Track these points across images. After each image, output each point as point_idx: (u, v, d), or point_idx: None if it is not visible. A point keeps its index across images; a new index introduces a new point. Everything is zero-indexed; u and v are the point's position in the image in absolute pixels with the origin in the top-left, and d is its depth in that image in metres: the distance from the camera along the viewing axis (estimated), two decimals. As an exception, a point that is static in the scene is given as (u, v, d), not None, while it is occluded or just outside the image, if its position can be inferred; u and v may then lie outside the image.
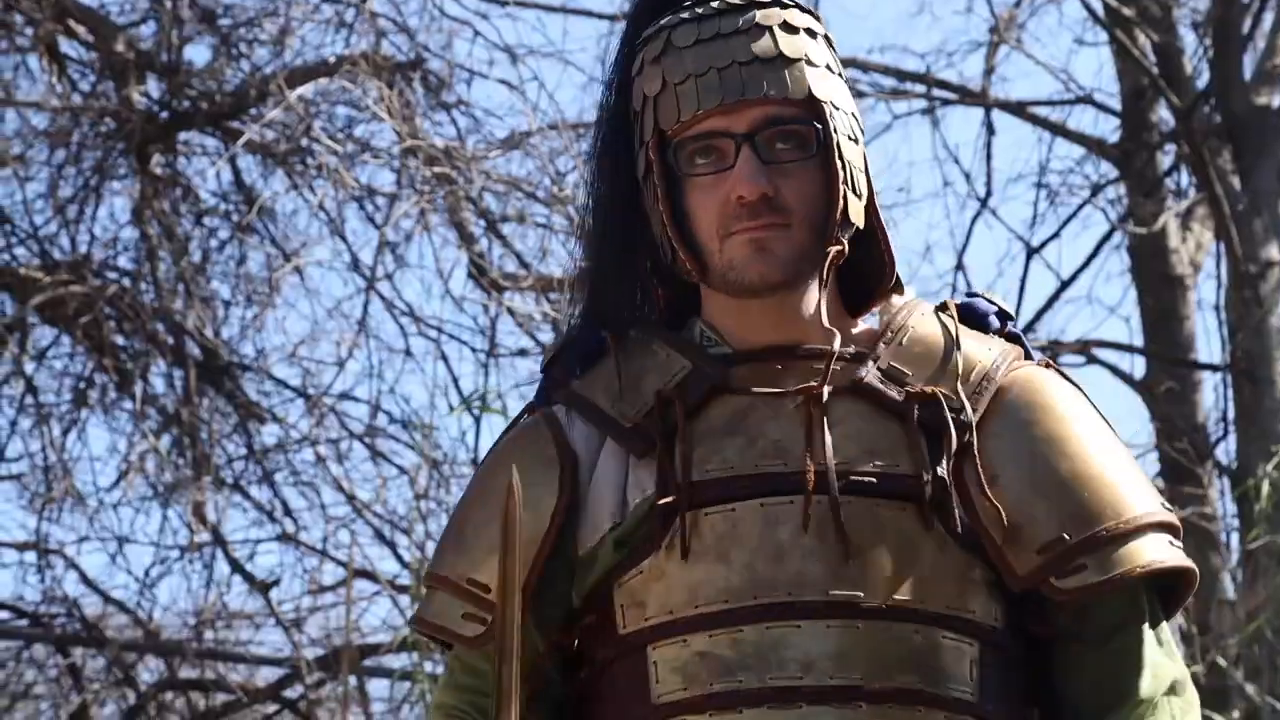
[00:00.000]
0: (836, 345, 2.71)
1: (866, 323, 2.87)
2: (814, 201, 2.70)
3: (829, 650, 2.52)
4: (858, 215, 2.76)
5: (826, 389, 2.68)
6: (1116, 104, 14.90)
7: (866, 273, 2.85)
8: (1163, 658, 2.66)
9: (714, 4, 2.78)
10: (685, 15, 2.78)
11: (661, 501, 2.59)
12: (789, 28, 2.73)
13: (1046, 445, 2.73)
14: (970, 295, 2.98)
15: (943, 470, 2.63)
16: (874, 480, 2.62)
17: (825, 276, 2.73)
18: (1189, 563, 2.61)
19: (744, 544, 2.56)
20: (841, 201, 2.71)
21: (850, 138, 2.76)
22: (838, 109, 2.74)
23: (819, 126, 2.70)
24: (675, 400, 2.67)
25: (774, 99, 2.69)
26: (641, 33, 2.85)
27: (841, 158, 2.72)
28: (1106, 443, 2.79)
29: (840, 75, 2.84)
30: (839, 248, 2.72)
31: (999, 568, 2.62)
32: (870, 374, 2.71)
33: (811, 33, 2.76)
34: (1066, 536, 2.60)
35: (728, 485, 2.60)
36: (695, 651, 2.53)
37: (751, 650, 2.52)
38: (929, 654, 2.57)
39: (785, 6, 2.77)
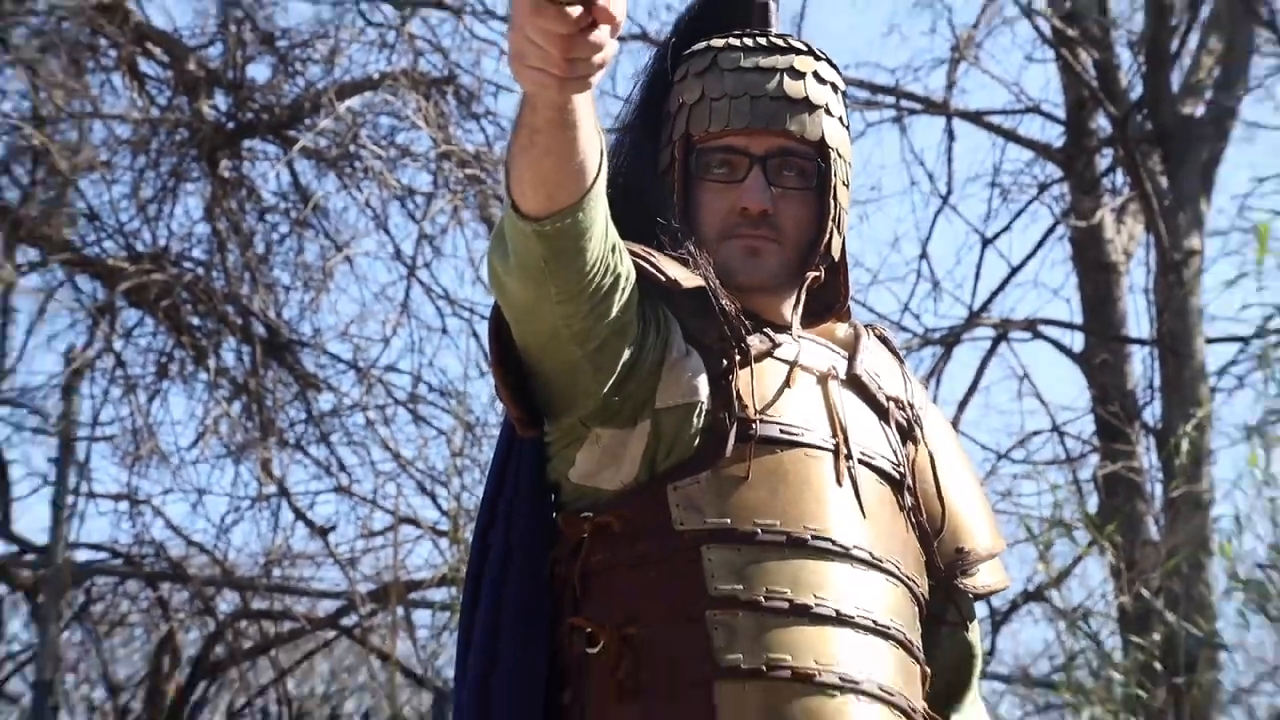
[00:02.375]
0: (834, 351, 2.97)
1: (839, 330, 3.06)
2: (804, 227, 2.88)
3: (854, 590, 2.67)
4: (836, 250, 2.95)
5: (839, 374, 2.89)
6: (1061, 113, 14.92)
7: (823, 294, 3.01)
8: (979, 646, 3.08)
9: (760, 39, 2.94)
10: (734, 42, 2.93)
11: (734, 430, 2.69)
12: (819, 78, 2.90)
13: (962, 469, 3.09)
14: (874, 327, 3.17)
15: (906, 466, 2.89)
16: (872, 458, 2.81)
17: (800, 295, 2.92)
18: (1005, 584, 3.09)
19: (789, 482, 2.69)
20: (828, 235, 2.90)
21: (844, 183, 2.94)
22: (840, 157, 2.90)
23: (823, 166, 2.87)
24: (734, 339, 2.76)
25: (792, 134, 2.84)
26: (683, 44, 3.01)
27: (835, 198, 2.90)
28: (968, 460, 3.21)
29: (848, 129, 3.00)
30: (817, 274, 2.93)
31: (928, 554, 2.88)
32: (862, 369, 2.91)
33: (835, 87, 2.93)
34: (979, 544, 2.96)
35: (781, 429, 2.73)
36: (750, 560, 2.63)
37: (802, 574, 2.64)
38: (906, 609, 2.76)
39: (819, 58, 2.95)
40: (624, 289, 2.56)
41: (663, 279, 2.66)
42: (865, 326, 3.03)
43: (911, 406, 2.95)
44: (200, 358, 11.74)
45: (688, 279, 2.69)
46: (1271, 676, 12.02)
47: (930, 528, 2.86)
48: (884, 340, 3.05)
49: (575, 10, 1.97)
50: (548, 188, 2.32)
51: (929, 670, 2.80)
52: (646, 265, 2.66)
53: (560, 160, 2.28)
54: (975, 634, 3.00)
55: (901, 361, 3.07)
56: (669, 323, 2.73)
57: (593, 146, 2.31)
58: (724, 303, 2.69)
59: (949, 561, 2.88)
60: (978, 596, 2.98)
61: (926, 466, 2.89)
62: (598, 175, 2.36)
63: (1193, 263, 13.62)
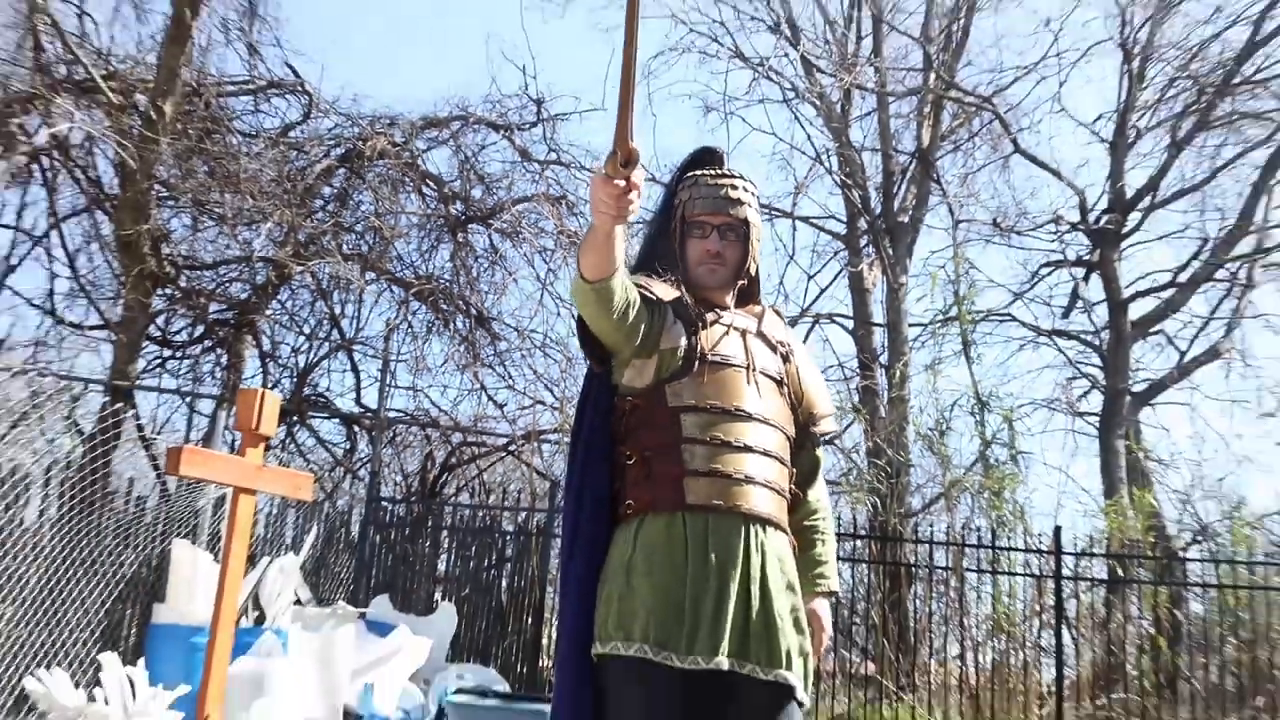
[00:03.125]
0: (751, 321, 2.77)
1: (749, 308, 2.84)
2: (737, 261, 2.74)
3: (757, 435, 2.57)
4: (753, 270, 2.80)
5: (752, 330, 2.74)
6: (844, 218, 14.98)
7: (748, 291, 2.84)
8: (821, 458, 2.86)
9: (719, 169, 2.78)
10: (707, 172, 2.77)
11: (697, 358, 2.60)
12: (745, 190, 2.74)
13: (815, 374, 2.86)
14: (770, 306, 2.94)
15: (783, 373, 2.73)
16: (768, 371, 2.67)
17: (734, 292, 2.79)
18: (837, 429, 2.93)
19: (725, 383, 2.58)
20: (749, 264, 2.77)
21: (757, 239, 2.78)
22: (755, 226, 2.75)
23: (747, 230, 2.74)
24: (700, 316, 2.66)
25: (732, 215, 2.71)
26: (684, 174, 2.82)
27: (752, 248, 2.76)
28: (819, 371, 2.94)
29: (760, 214, 2.81)
30: (743, 282, 2.79)
31: (797, 415, 2.74)
32: (765, 328, 2.77)
33: (754, 194, 2.77)
34: (822, 411, 2.81)
35: (718, 359, 2.61)
36: (706, 420, 2.54)
37: (729, 427, 2.54)
38: (782, 443, 2.64)
39: (746, 180, 2.78)
40: (635, 307, 2.52)
41: (654, 296, 2.62)
42: (769, 307, 2.89)
43: (788, 345, 2.80)
44: (446, 324, 11.68)
45: (668, 292, 2.66)
46: (933, 480, 12.28)
47: (797, 403, 2.74)
48: (777, 313, 2.92)
49: (621, 184, 2.11)
50: (597, 268, 2.34)
51: (794, 471, 2.71)
52: (647, 291, 2.61)
53: (604, 256, 2.31)
54: (819, 453, 2.85)
55: (786, 323, 2.92)
56: (665, 310, 2.64)
57: (620, 251, 2.32)
58: (689, 301, 2.67)
59: (807, 419, 2.77)
60: (821, 435, 2.84)
61: (795, 374, 2.76)
62: (620, 264, 2.36)
63: (902, 290, 13.89)
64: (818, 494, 2.81)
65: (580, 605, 2.51)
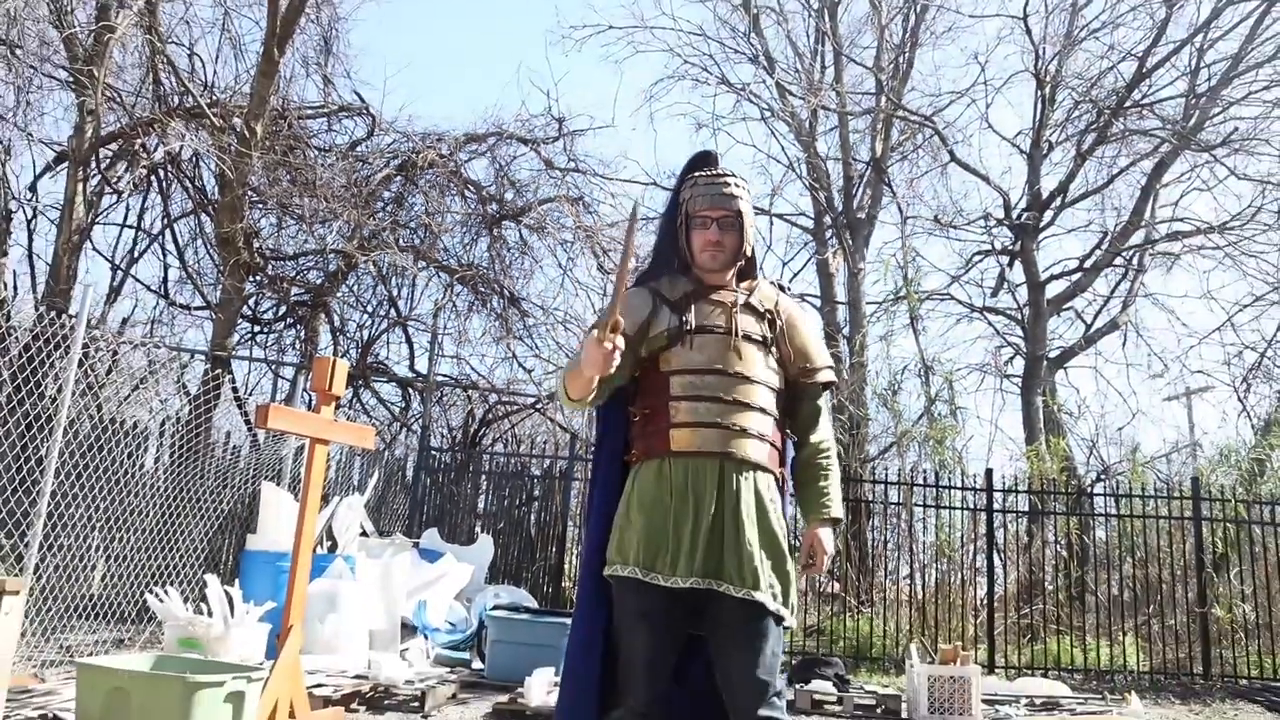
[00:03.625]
0: (741, 295, 2.61)
1: (746, 283, 2.66)
2: (735, 246, 2.59)
3: (736, 390, 2.47)
4: (749, 253, 2.64)
5: (740, 304, 2.59)
6: (812, 214, 14.74)
7: (746, 270, 2.66)
8: (827, 406, 2.68)
9: (715, 170, 2.65)
10: (705, 172, 2.64)
11: (685, 329, 2.52)
12: (738, 185, 2.61)
13: (805, 327, 2.67)
14: (771, 279, 2.80)
15: (770, 336, 2.58)
16: (750, 335, 2.54)
17: (734, 272, 2.64)
18: (834, 379, 2.64)
19: (708, 348, 2.50)
20: (745, 248, 2.61)
21: (751, 227, 2.64)
22: (748, 216, 2.61)
23: (742, 221, 2.59)
24: (688, 296, 2.57)
25: (729, 208, 2.57)
26: (686, 175, 2.69)
27: (746, 234, 2.60)
28: (817, 324, 2.78)
29: (753, 207, 2.69)
30: (741, 263, 2.64)
31: (788, 370, 2.58)
32: (754, 300, 2.62)
33: (746, 189, 2.63)
34: (815, 363, 2.63)
35: (703, 329, 2.53)
36: (689, 380, 2.47)
37: (711, 384, 2.46)
38: (767, 396, 2.51)
39: (739, 177, 2.64)
40: (609, 384, 2.45)
41: (629, 335, 2.49)
42: (765, 279, 2.72)
43: (775, 310, 2.62)
44: (484, 304, 11.58)
45: (639, 309, 2.55)
46: (887, 431, 12.31)
47: (789, 358, 2.58)
48: (778, 286, 2.76)
49: (609, 347, 2.16)
50: (581, 393, 2.35)
51: (782, 419, 2.57)
52: (625, 329, 2.44)
53: (587, 390, 2.32)
54: (820, 402, 2.65)
55: (781, 291, 2.74)
56: (657, 304, 2.56)
57: (592, 383, 2.32)
58: (668, 295, 2.58)
59: (799, 372, 2.60)
60: (821, 385, 2.63)
61: (784, 335, 2.59)
62: (597, 391, 2.37)
63: (861, 274, 13.55)
64: (820, 436, 2.66)
65: (598, 536, 2.51)
